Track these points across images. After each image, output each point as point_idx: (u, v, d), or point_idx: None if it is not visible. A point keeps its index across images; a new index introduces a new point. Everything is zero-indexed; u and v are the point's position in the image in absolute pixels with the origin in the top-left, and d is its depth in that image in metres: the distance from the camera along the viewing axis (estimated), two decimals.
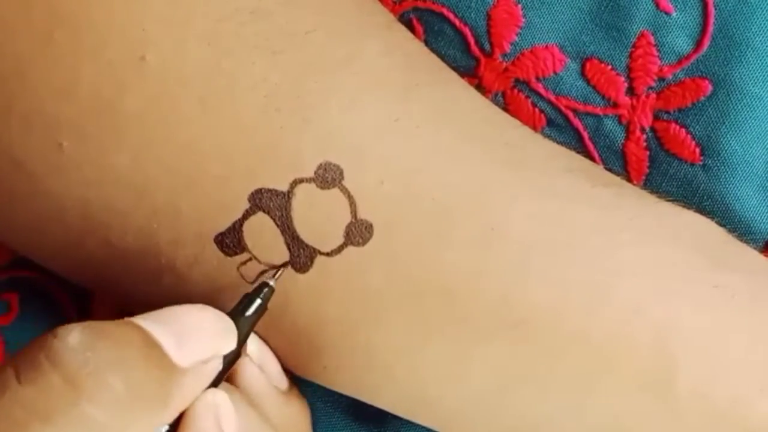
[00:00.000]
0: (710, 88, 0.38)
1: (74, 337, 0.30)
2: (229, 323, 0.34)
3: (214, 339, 0.33)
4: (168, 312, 0.32)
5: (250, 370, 0.36)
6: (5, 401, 0.29)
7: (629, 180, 0.40)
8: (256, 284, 0.35)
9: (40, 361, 0.29)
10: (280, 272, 0.35)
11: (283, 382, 0.38)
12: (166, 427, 0.32)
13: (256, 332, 0.36)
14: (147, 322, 0.32)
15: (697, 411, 0.35)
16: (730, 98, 0.38)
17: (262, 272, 0.35)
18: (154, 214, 0.36)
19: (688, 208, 0.38)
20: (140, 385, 0.30)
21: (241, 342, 0.34)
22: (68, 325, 0.30)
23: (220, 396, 0.33)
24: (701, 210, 0.38)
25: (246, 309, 0.34)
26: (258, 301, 0.34)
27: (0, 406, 0.29)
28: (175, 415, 0.32)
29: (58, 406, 0.29)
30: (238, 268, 0.36)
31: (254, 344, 0.37)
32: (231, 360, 0.34)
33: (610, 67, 0.39)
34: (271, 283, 0.35)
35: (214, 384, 0.33)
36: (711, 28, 0.38)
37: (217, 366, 0.33)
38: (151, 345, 0.31)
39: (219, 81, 0.35)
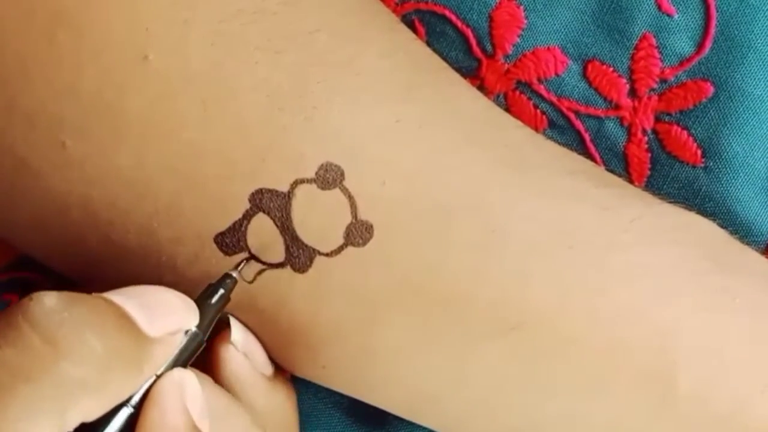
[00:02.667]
0: (712, 90, 0.38)
1: (51, 299, 0.31)
2: (190, 302, 0.34)
3: (179, 314, 0.34)
4: (134, 289, 0.33)
5: (235, 358, 0.37)
6: None
7: (631, 182, 0.40)
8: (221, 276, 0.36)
9: (19, 322, 0.30)
10: (242, 264, 0.36)
11: (267, 368, 0.38)
12: (131, 410, 0.32)
13: (248, 327, 0.37)
14: (116, 296, 0.32)
15: (697, 413, 0.35)
16: (731, 100, 0.38)
17: (260, 272, 0.36)
18: (155, 212, 0.36)
19: (690, 210, 0.38)
20: (116, 347, 0.31)
21: (205, 328, 0.34)
22: (44, 291, 0.31)
23: (187, 374, 0.33)
24: (703, 212, 0.38)
25: (209, 298, 0.35)
26: (221, 291, 0.35)
27: None
28: (145, 380, 0.32)
29: (39, 366, 0.30)
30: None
31: (239, 332, 0.37)
32: (196, 344, 0.34)
33: (611, 68, 0.39)
34: (234, 274, 0.35)
35: (181, 366, 0.34)
36: (713, 30, 0.38)
37: (181, 341, 0.34)
38: (123, 315, 0.32)
39: (221, 81, 0.35)
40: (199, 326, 0.34)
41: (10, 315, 0.30)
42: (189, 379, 0.33)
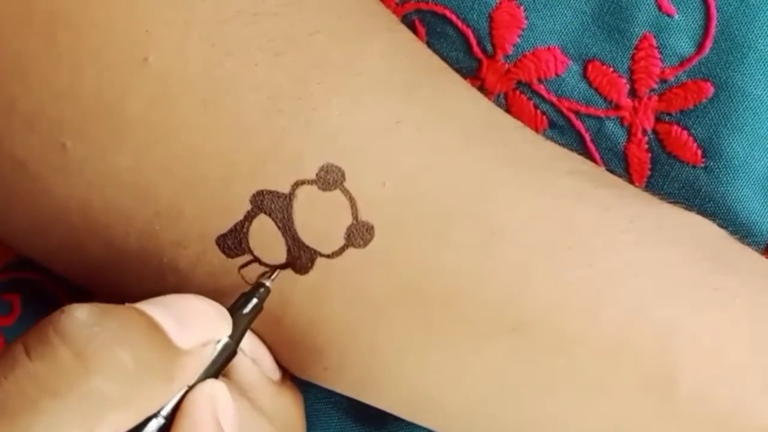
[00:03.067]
0: (712, 90, 0.38)
1: (82, 312, 0.30)
2: (224, 311, 0.34)
3: (211, 325, 0.33)
4: (167, 298, 0.33)
5: (242, 363, 0.37)
6: (16, 376, 0.29)
7: (631, 182, 0.40)
8: (252, 284, 0.35)
9: (50, 336, 0.30)
10: (276, 273, 0.35)
11: (275, 373, 0.38)
12: (162, 421, 0.32)
13: (253, 331, 0.36)
14: (148, 306, 0.32)
15: (698, 413, 0.35)
16: (732, 100, 0.38)
17: (263, 274, 0.36)
18: (156, 215, 0.36)
19: (690, 210, 0.38)
20: (146, 360, 0.31)
21: (237, 339, 0.34)
22: (76, 303, 0.31)
23: (218, 386, 0.33)
24: (703, 212, 0.38)
25: (242, 307, 0.35)
26: (254, 301, 0.35)
27: (11, 381, 0.29)
28: (176, 393, 0.32)
29: (67, 381, 0.29)
30: (239, 270, 0.36)
31: (246, 338, 0.37)
32: (228, 355, 0.34)
33: (611, 69, 0.39)
34: (267, 283, 0.35)
35: (213, 377, 0.33)
36: (713, 30, 0.38)
37: (213, 352, 0.33)
38: (154, 326, 0.32)
39: (221, 82, 0.35)
40: (231, 336, 0.34)
41: (42, 328, 0.30)
42: (221, 391, 0.33)
